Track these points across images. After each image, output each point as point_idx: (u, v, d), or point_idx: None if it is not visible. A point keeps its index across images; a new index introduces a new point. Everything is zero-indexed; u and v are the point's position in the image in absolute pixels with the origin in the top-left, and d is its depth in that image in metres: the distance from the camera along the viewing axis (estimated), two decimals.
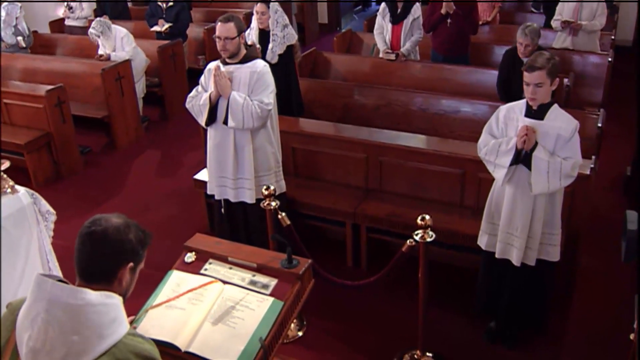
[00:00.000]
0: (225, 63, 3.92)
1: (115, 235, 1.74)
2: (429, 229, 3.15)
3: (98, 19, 7.07)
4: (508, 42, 6.90)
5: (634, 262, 3.50)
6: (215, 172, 4.12)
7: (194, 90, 4.07)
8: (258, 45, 5.04)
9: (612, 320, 3.88)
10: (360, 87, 5.61)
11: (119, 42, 6.93)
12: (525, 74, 3.13)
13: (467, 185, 4.20)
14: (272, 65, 4.84)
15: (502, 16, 8.14)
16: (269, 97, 3.88)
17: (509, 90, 4.98)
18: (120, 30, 6.97)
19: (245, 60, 3.92)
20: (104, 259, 1.73)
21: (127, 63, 6.70)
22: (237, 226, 4.27)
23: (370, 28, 8.14)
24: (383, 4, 6.40)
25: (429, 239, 3.15)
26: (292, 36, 5.11)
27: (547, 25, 7.63)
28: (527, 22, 4.74)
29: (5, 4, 7.24)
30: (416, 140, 4.51)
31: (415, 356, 3.61)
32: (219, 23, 3.81)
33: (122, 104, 6.68)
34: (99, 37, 6.83)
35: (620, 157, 5.87)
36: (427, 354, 3.61)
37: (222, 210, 4.24)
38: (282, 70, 5.11)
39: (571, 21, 6.44)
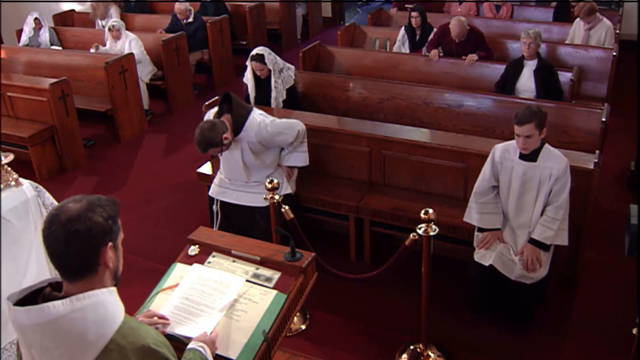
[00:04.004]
0: None
1: (80, 225, 1.59)
2: (432, 222, 3.15)
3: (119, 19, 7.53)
4: (515, 38, 6.90)
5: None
6: (229, 177, 4.22)
7: None
8: (253, 95, 5.10)
9: (616, 314, 3.88)
10: (363, 80, 5.60)
11: (127, 45, 7.14)
12: (516, 127, 3.36)
13: (470, 179, 4.18)
14: None
15: (508, 11, 8.19)
16: (286, 137, 4.07)
17: (503, 91, 5.51)
18: (129, 34, 7.25)
19: (237, 129, 3.95)
20: (79, 254, 1.60)
21: (130, 56, 6.71)
22: (234, 224, 4.28)
23: (373, 22, 8.19)
24: (402, 31, 6.97)
25: (432, 233, 3.16)
26: (290, 78, 5.09)
27: (556, 20, 7.71)
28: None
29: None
30: (419, 134, 4.50)
31: (418, 349, 3.61)
32: (202, 152, 3.87)
33: (125, 97, 6.69)
34: (119, 30, 7.18)
35: (624, 152, 5.85)
36: (430, 347, 3.61)
37: (214, 206, 4.30)
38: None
39: None
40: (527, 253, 3.47)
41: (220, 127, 3.82)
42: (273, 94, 5.00)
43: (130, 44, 7.15)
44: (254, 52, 4.93)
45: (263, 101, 5.05)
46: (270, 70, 4.93)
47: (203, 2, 8.80)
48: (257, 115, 4.02)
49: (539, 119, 3.32)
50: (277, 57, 5.03)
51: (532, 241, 3.49)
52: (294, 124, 4.11)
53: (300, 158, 4.24)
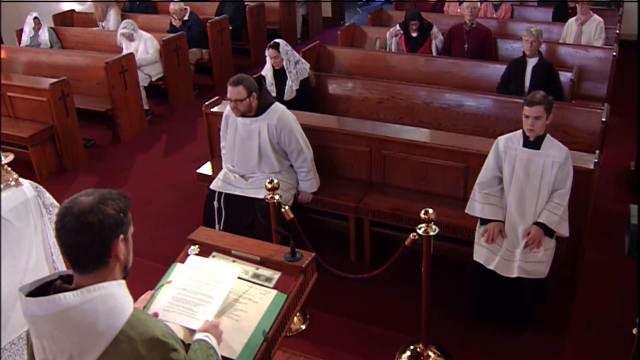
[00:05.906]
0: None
1: (93, 218, 1.62)
2: (432, 222, 3.15)
3: (128, 20, 7.43)
4: (512, 37, 6.91)
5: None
6: (238, 166, 4.29)
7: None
8: (272, 84, 5.42)
9: (616, 314, 3.88)
10: (363, 80, 5.60)
11: (142, 45, 7.14)
12: (526, 107, 3.50)
13: (470, 179, 4.18)
14: (291, 100, 5.30)
15: (507, 11, 8.21)
16: (299, 140, 4.17)
17: (506, 92, 5.51)
18: (144, 34, 7.26)
19: (260, 111, 4.11)
20: (92, 246, 1.63)
21: (130, 56, 6.71)
22: (235, 221, 4.28)
23: (373, 22, 8.17)
24: (397, 27, 6.90)
25: (432, 233, 3.16)
26: (304, 70, 5.39)
27: (555, 20, 7.73)
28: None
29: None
30: (419, 134, 4.50)
31: (418, 349, 3.61)
32: (229, 86, 3.99)
33: (125, 97, 6.68)
34: (131, 35, 7.13)
35: (624, 152, 5.85)
36: (430, 347, 3.62)
37: (215, 202, 4.28)
38: (300, 102, 5.36)
39: None
40: (532, 232, 3.53)
41: (255, 84, 4.05)
42: (288, 82, 5.30)
43: (145, 43, 7.14)
44: (272, 41, 5.35)
45: (279, 91, 5.34)
46: (283, 60, 5.26)
47: (222, 2, 8.80)
48: (282, 106, 4.20)
49: (548, 103, 3.50)
50: (294, 52, 5.39)
51: (537, 224, 3.55)
52: (306, 142, 4.26)
53: (317, 182, 4.40)
